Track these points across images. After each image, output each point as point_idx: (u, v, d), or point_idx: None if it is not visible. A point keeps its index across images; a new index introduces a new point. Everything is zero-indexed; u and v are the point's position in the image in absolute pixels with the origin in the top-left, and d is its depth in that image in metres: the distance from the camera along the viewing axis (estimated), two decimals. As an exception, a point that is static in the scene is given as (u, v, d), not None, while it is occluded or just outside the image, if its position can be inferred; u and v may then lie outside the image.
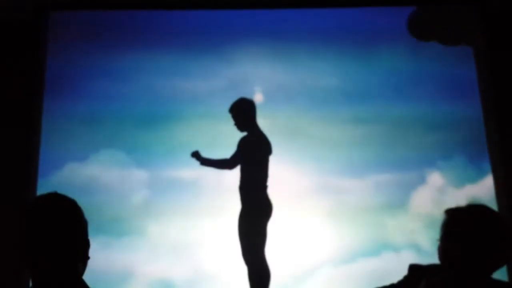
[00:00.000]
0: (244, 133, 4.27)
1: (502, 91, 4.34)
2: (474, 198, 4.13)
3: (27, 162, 4.13)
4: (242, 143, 4.23)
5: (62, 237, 1.43)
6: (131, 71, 4.42)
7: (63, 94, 4.35)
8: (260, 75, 4.47)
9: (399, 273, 1.86)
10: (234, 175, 4.22)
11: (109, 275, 3.83)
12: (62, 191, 1.57)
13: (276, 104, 4.40)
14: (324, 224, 4.14)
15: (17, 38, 4.42)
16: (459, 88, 4.49)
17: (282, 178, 4.21)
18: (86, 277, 1.51)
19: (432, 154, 4.32)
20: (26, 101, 4.26)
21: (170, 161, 4.23)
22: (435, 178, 4.30)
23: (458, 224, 1.72)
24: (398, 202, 4.21)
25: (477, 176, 4.29)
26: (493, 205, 4.04)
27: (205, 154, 4.24)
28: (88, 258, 1.51)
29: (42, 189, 4.00)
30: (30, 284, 1.45)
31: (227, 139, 4.29)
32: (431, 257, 1.81)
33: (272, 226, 4.10)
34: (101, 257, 3.86)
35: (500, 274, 1.78)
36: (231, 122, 4.30)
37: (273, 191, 4.18)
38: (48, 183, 4.07)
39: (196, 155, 4.18)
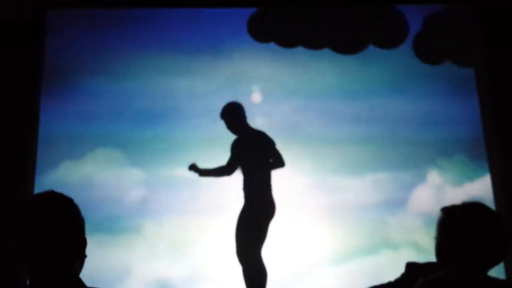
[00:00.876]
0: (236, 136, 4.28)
1: (500, 89, 4.35)
2: (473, 196, 4.13)
3: (24, 160, 4.12)
4: (232, 147, 4.23)
5: (59, 235, 1.42)
6: (128, 69, 4.41)
7: (60, 92, 4.34)
8: (258, 73, 4.46)
9: (398, 271, 1.86)
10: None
11: (105, 273, 3.82)
12: (58, 189, 1.56)
13: (274, 102, 4.39)
14: (323, 222, 4.13)
15: (14, 36, 4.41)
16: (458, 86, 4.50)
17: (280, 176, 4.21)
18: (83, 275, 1.50)
19: (431, 152, 4.32)
20: (24, 99, 4.25)
21: (166, 160, 4.22)
22: (434, 177, 4.30)
23: (454, 222, 1.72)
24: (397, 200, 4.21)
25: (477, 175, 4.30)
26: (491, 204, 4.05)
27: (203, 152, 4.23)
28: (85, 256, 1.51)
29: (39, 187, 4.00)
30: (28, 283, 1.45)
31: (225, 137, 4.28)
32: (430, 256, 1.81)
33: (271, 224, 4.10)
34: (98, 255, 3.85)
35: (498, 272, 1.78)
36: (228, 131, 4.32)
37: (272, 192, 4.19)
38: (44, 182, 4.06)
39: (193, 167, 4.16)
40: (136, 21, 4.50)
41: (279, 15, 4.57)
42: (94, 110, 4.32)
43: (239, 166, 4.20)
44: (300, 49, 4.52)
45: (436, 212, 1.80)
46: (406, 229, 4.14)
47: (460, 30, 4.57)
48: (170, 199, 4.16)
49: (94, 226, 3.96)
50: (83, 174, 4.18)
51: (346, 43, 4.51)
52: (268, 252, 4.05)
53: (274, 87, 4.43)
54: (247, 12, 4.59)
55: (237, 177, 4.20)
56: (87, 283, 1.47)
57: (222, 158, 4.25)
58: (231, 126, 4.27)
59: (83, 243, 1.49)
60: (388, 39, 4.53)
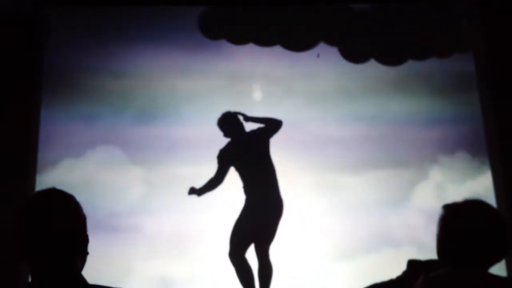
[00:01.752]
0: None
1: (501, 87, 4.35)
2: (474, 193, 4.13)
3: (25, 159, 4.12)
4: (218, 155, 4.20)
5: (61, 232, 1.42)
6: (129, 67, 4.41)
7: (60, 91, 4.34)
8: (258, 71, 4.46)
9: (399, 268, 1.86)
10: (231, 172, 4.22)
11: (107, 271, 3.82)
12: (59, 187, 1.56)
13: (275, 100, 4.39)
14: (324, 220, 4.13)
15: (14, 34, 4.40)
16: (460, 83, 4.50)
17: (281, 174, 4.21)
18: (84, 273, 1.50)
19: (433, 150, 4.32)
20: (24, 97, 4.25)
21: (167, 158, 4.22)
22: (436, 174, 4.30)
23: (455, 219, 1.72)
24: (398, 198, 4.21)
25: (478, 172, 4.30)
26: (492, 201, 4.05)
27: (202, 151, 4.23)
28: (87, 253, 1.51)
29: (40, 185, 4.00)
30: (29, 280, 1.45)
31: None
32: (431, 253, 1.81)
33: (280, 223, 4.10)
34: (99, 253, 3.84)
35: (498, 269, 1.78)
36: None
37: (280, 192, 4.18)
38: (45, 180, 4.06)
39: (192, 191, 4.14)
40: (136, 19, 4.49)
41: (230, 12, 4.56)
42: (94, 108, 4.32)
43: (238, 173, 4.18)
44: (300, 47, 4.53)
45: (437, 210, 1.80)
46: (407, 226, 4.14)
47: (458, 27, 4.58)
48: (171, 197, 4.16)
49: (95, 224, 3.96)
50: (84, 172, 4.18)
51: (296, 40, 4.51)
52: (271, 250, 4.05)
53: (274, 86, 4.43)
54: (246, 11, 4.60)
55: (237, 176, 4.20)
56: (88, 281, 1.47)
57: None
58: (225, 134, 4.28)
59: (85, 240, 1.49)
60: (339, 37, 4.53)
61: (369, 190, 4.22)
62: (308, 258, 4.07)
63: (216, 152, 4.22)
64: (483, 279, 1.67)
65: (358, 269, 4.00)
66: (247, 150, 4.24)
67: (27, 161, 4.11)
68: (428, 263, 1.88)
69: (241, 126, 4.28)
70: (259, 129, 4.26)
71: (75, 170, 4.17)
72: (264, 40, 4.50)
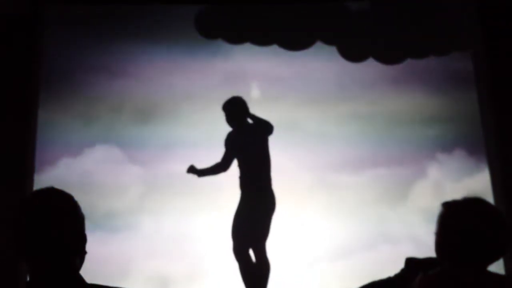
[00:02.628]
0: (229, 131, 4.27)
1: (500, 86, 4.35)
2: (472, 191, 4.14)
3: (23, 158, 4.11)
4: (226, 141, 4.22)
5: (59, 231, 1.42)
6: (127, 66, 4.41)
7: (58, 89, 4.33)
8: (256, 70, 4.46)
9: (397, 266, 1.86)
10: (230, 169, 4.21)
11: (105, 270, 3.82)
12: (57, 186, 1.56)
13: (272, 98, 4.39)
14: (322, 219, 4.14)
15: (12, 32, 4.39)
16: (458, 81, 4.50)
17: (279, 173, 4.21)
18: (83, 272, 1.50)
19: (431, 148, 4.33)
20: (22, 95, 4.24)
21: (165, 157, 4.22)
22: (434, 172, 4.31)
23: (454, 217, 1.72)
24: (396, 196, 4.22)
25: (476, 170, 4.30)
26: (490, 199, 4.05)
27: (201, 150, 4.22)
28: (85, 252, 1.51)
29: (38, 185, 3.99)
30: (28, 279, 1.45)
31: (223, 134, 4.28)
32: (429, 251, 1.81)
33: (273, 219, 4.10)
34: (97, 252, 3.84)
35: (497, 267, 1.78)
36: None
37: (272, 186, 4.18)
38: (43, 179, 4.05)
39: (192, 169, 4.15)
40: (134, 17, 4.49)
41: (226, 12, 4.55)
42: (92, 107, 4.32)
43: (237, 161, 4.19)
44: (297, 45, 4.53)
45: (435, 207, 1.80)
46: (405, 224, 4.15)
47: (457, 25, 4.58)
48: (169, 196, 4.16)
49: (93, 223, 3.96)
50: (82, 172, 4.17)
51: (293, 39, 4.51)
52: (268, 249, 4.06)
53: (272, 84, 4.43)
54: (245, 9, 4.59)
55: (236, 174, 4.20)
56: (87, 280, 1.47)
57: (220, 155, 4.25)
58: (229, 120, 4.26)
59: (83, 239, 1.49)
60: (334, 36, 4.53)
61: (367, 188, 4.22)
62: (305, 256, 4.07)
63: (215, 150, 4.21)
64: (482, 277, 1.67)
65: (356, 267, 4.00)
66: (251, 140, 4.23)
67: (25, 160, 4.10)
68: (426, 261, 1.88)
69: (247, 115, 4.27)
70: (260, 124, 4.25)
71: (73, 169, 4.17)
72: (261, 39, 4.50)
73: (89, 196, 4.05)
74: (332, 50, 4.50)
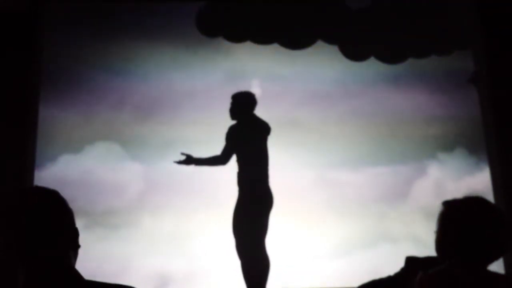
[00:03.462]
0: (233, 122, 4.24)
1: (500, 84, 4.35)
2: (473, 190, 4.14)
3: (23, 155, 4.12)
4: (228, 134, 4.19)
5: (49, 227, 1.43)
6: (128, 63, 4.41)
7: (59, 86, 4.33)
8: (257, 68, 4.46)
9: (397, 265, 1.86)
10: (229, 168, 4.20)
11: (104, 267, 3.82)
12: (57, 183, 1.56)
13: (273, 97, 4.39)
14: (323, 216, 4.13)
15: (12, 29, 4.40)
16: (459, 80, 4.50)
17: (279, 171, 4.20)
18: (82, 269, 1.50)
19: (432, 147, 4.33)
20: (23, 92, 4.24)
21: (165, 154, 4.22)
22: (435, 170, 4.31)
23: (454, 216, 1.72)
24: (397, 194, 4.22)
25: (477, 168, 4.30)
26: (490, 197, 4.05)
27: (201, 147, 4.22)
28: (78, 246, 1.51)
29: (38, 181, 4.00)
30: (24, 278, 1.45)
31: (224, 132, 4.28)
32: (429, 249, 1.81)
33: (271, 216, 4.09)
34: (97, 249, 3.85)
35: (497, 267, 1.78)
36: (228, 114, 4.29)
37: (269, 184, 4.17)
38: (43, 175, 4.05)
39: (188, 159, 4.12)
40: (135, 15, 4.48)
41: (228, 10, 4.55)
42: (93, 104, 4.32)
43: (236, 155, 4.17)
44: (299, 43, 4.53)
45: (436, 206, 1.80)
46: (406, 222, 4.15)
47: (458, 25, 4.57)
48: (169, 193, 4.16)
49: (93, 220, 3.96)
50: (82, 168, 4.17)
51: (294, 38, 4.50)
52: (268, 246, 4.05)
53: (273, 82, 4.43)
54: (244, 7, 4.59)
55: (235, 171, 4.19)
56: (86, 277, 1.46)
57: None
58: (233, 112, 4.23)
59: (75, 233, 1.50)
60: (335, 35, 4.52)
61: (367, 187, 4.22)
62: (306, 254, 4.07)
63: (212, 147, 4.21)
64: (482, 276, 1.67)
65: (356, 265, 4.00)
66: (252, 136, 4.21)
67: (25, 157, 4.11)
68: (426, 259, 1.88)
69: (251, 113, 4.26)
70: (261, 123, 4.24)
71: (73, 166, 4.17)
72: (262, 38, 4.49)
73: (89, 193, 4.06)
74: (334, 49, 4.50)
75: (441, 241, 1.73)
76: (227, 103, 4.29)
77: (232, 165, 4.19)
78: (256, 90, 4.40)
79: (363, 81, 4.45)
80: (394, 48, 4.51)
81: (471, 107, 4.43)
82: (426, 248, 1.86)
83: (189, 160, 4.13)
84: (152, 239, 4.06)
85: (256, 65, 4.45)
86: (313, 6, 4.55)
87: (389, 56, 4.50)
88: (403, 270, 1.90)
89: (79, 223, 1.53)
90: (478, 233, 1.67)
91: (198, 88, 4.39)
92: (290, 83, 4.43)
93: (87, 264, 1.65)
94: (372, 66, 4.48)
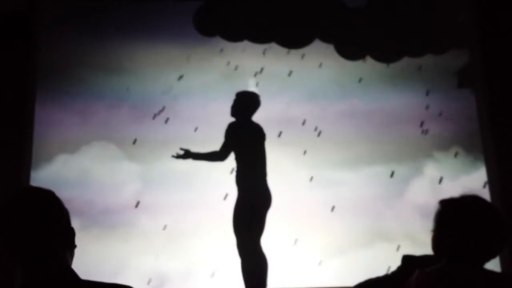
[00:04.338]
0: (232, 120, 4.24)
1: (496, 84, 4.36)
2: (469, 189, 4.15)
3: (19, 155, 4.11)
4: (228, 131, 4.19)
5: (45, 227, 1.42)
6: (124, 62, 4.40)
7: (55, 85, 4.32)
8: (253, 67, 4.46)
9: (394, 264, 1.86)
10: (225, 167, 4.20)
11: (102, 267, 3.82)
12: (53, 183, 1.56)
13: (270, 96, 4.39)
14: (319, 216, 4.14)
15: (9, 28, 4.38)
16: (455, 79, 4.51)
17: (275, 170, 4.20)
18: (79, 269, 1.50)
19: (428, 146, 4.33)
20: (19, 92, 4.23)
21: (162, 154, 4.22)
22: (431, 170, 4.31)
23: (452, 215, 1.72)
24: (393, 193, 4.22)
25: (473, 168, 4.31)
26: (487, 196, 4.06)
27: (197, 147, 4.22)
28: (74, 246, 1.51)
29: (35, 182, 3.99)
30: (21, 279, 1.44)
31: (221, 131, 4.28)
32: (426, 248, 1.81)
33: (268, 215, 4.09)
34: (94, 249, 3.85)
35: (493, 265, 1.78)
36: (224, 114, 4.29)
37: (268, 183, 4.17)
38: (39, 176, 4.04)
39: (186, 153, 4.12)
40: (131, 14, 4.48)
41: (225, 9, 4.54)
42: (89, 104, 4.31)
43: (234, 154, 4.17)
44: (295, 41, 4.53)
45: (432, 205, 1.80)
46: (402, 222, 4.15)
47: (454, 23, 4.58)
48: (166, 193, 4.15)
49: (90, 220, 3.95)
50: (79, 168, 4.16)
51: (291, 37, 4.49)
52: (264, 246, 4.05)
53: (269, 81, 4.43)
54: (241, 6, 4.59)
55: (233, 171, 4.19)
56: (83, 277, 1.46)
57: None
58: (235, 110, 4.22)
59: (70, 233, 1.50)
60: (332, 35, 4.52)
61: (364, 186, 4.22)
62: (302, 253, 4.07)
63: (209, 146, 4.20)
64: (479, 275, 1.68)
65: (352, 264, 4.01)
66: (252, 135, 4.20)
67: (21, 157, 4.10)
68: (423, 258, 1.88)
69: (253, 113, 4.25)
70: (258, 127, 4.24)
71: (69, 166, 4.16)
72: (259, 37, 4.49)
73: (86, 192, 4.05)
74: (330, 48, 4.51)
75: (438, 240, 1.74)
76: (224, 103, 4.29)
77: (228, 164, 4.19)
78: (251, 89, 4.40)
79: (359, 81, 4.45)
80: (390, 47, 4.52)
81: (467, 106, 4.44)
82: (423, 247, 1.87)
83: (187, 154, 4.13)
84: (149, 238, 4.06)
85: (252, 65, 4.45)
86: (310, 5, 4.55)
87: (385, 54, 4.50)
88: (399, 269, 1.90)
89: (75, 223, 1.53)
90: (475, 232, 1.67)
91: (195, 87, 4.39)
92: (286, 83, 4.43)
93: (83, 263, 1.65)
94: (369, 65, 4.49)
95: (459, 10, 4.61)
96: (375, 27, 4.55)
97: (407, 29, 4.54)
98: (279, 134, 4.24)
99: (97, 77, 4.34)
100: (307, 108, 4.38)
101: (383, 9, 4.61)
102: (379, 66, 4.50)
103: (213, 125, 4.28)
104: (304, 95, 4.41)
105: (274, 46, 4.50)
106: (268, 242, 4.06)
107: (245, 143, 4.18)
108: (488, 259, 1.72)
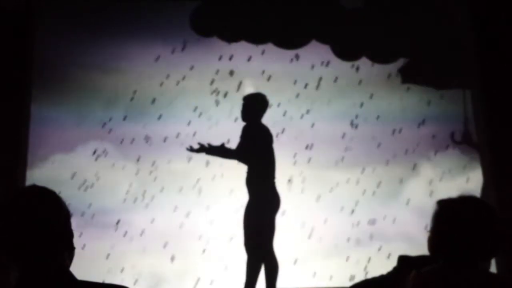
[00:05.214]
0: (244, 123, 4.17)
1: (492, 85, 4.37)
2: (465, 189, 4.16)
3: (15, 155, 4.10)
4: (245, 131, 4.09)
5: (45, 228, 1.41)
6: (121, 62, 4.40)
7: (51, 85, 4.31)
8: (250, 69, 4.45)
9: (390, 264, 1.86)
10: (223, 167, 4.19)
11: (97, 267, 3.81)
12: (49, 182, 1.54)
13: (266, 95, 4.38)
14: (315, 215, 4.14)
15: (5, 27, 4.36)
16: (452, 81, 4.52)
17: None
18: (75, 269, 1.49)
19: (424, 146, 4.34)
20: (14, 92, 4.22)
21: (158, 153, 4.21)
22: (427, 170, 4.32)
23: (449, 215, 1.72)
24: (389, 193, 4.22)
25: (469, 168, 4.32)
26: (482, 196, 4.07)
27: (195, 146, 4.21)
28: (73, 248, 1.50)
29: (30, 181, 3.98)
30: (17, 278, 1.44)
31: (218, 130, 4.28)
32: (421, 249, 1.81)
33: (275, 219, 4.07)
34: (90, 249, 3.83)
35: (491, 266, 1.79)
36: (221, 114, 4.29)
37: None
38: (35, 175, 4.03)
39: (202, 147, 4.04)
40: (128, 14, 4.47)
41: (222, 10, 4.53)
42: (86, 103, 4.30)
43: (248, 154, 4.07)
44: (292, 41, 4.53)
45: (428, 205, 1.80)
46: (398, 222, 4.16)
47: (450, 24, 4.58)
48: (162, 193, 4.15)
49: (86, 219, 3.95)
50: (75, 168, 4.15)
51: (288, 37, 4.49)
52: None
53: (265, 81, 4.43)
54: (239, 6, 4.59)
55: (230, 170, 4.17)
56: (79, 277, 1.46)
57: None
58: (248, 113, 4.15)
59: (70, 235, 1.48)
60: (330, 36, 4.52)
61: (360, 186, 4.23)
62: (298, 253, 4.07)
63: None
64: (475, 275, 1.68)
65: (348, 265, 4.01)
66: (265, 137, 4.14)
67: (17, 156, 4.09)
68: (419, 259, 1.88)
69: (264, 114, 4.22)
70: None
71: (65, 165, 4.15)
72: (256, 37, 4.49)
73: (81, 192, 4.04)
74: (326, 49, 4.50)
75: (435, 240, 1.73)
76: (221, 102, 4.29)
77: (228, 165, 4.16)
78: (248, 89, 4.40)
79: (355, 81, 4.46)
80: (386, 48, 4.52)
81: (463, 107, 4.45)
82: (419, 247, 1.87)
83: (202, 148, 4.04)
84: (145, 238, 4.06)
85: (249, 65, 4.45)
86: (308, 5, 4.55)
87: (381, 56, 4.50)
88: (395, 269, 1.90)
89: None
90: (471, 233, 1.67)
91: (191, 87, 4.38)
92: (282, 83, 4.43)
93: (79, 263, 1.65)
94: (365, 66, 4.49)
95: (456, 11, 4.61)
96: (372, 27, 4.54)
97: (403, 30, 4.53)
98: (276, 135, 4.23)
99: (94, 76, 4.34)
100: (303, 108, 4.38)
101: (380, 10, 4.60)
102: (375, 67, 4.50)
103: (209, 125, 4.29)
104: (301, 95, 4.41)
105: (270, 47, 4.50)
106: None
107: (258, 146, 4.12)
108: (485, 259, 1.72)
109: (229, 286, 3.99)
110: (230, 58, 4.44)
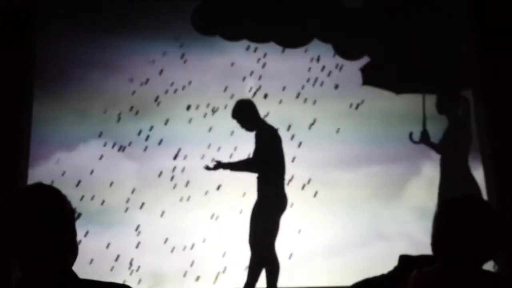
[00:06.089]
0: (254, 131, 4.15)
1: (493, 86, 4.37)
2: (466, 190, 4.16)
3: (17, 153, 4.10)
4: (259, 138, 4.08)
5: (50, 227, 1.41)
6: (122, 61, 4.40)
7: (53, 84, 4.32)
8: (251, 66, 4.45)
9: (391, 263, 1.86)
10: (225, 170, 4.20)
11: (98, 265, 3.82)
12: (51, 181, 1.55)
13: (268, 95, 4.39)
14: (317, 216, 4.14)
15: (6, 26, 4.37)
16: (452, 81, 4.52)
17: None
18: (76, 267, 1.49)
19: (426, 146, 4.34)
20: (16, 91, 4.22)
21: (160, 152, 4.22)
22: (428, 170, 4.32)
23: (452, 215, 1.72)
24: (391, 193, 4.22)
25: (471, 168, 4.31)
26: (484, 196, 4.07)
27: (196, 145, 4.21)
28: (77, 247, 1.50)
29: (32, 179, 3.99)
30: (20, 275, 1.44)
31: (218, 130, 4.28)
32: (423, 248, 1.82)
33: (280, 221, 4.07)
34: (91, 247, 3.84)
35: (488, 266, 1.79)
36: (221, 113, 4.29)
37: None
38: (37, 173, 4.04)
39: (217, 164, 4.06)
40: (129, 13, 4.47)
41: (224, 9, 4.54)
42: (87, 103, 4.31)
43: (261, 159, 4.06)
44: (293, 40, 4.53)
45: (429, 205, 1.81)
46: (399, 221, 4.16)
47: (450, 23, 4.58)
48: (163, 192, 4.15)
49: (87, 218, 3.95)
50: (76, 167, 4.16)
51: (290, 36, 4.49)
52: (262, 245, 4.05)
53: (267, 81, 4.43)
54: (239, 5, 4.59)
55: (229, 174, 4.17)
56: (80, 275, 1.46)
57: (215, 151, 4.23)
58: (248, 125, 4.15)
59: (74, 234, 1.48)
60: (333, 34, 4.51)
61: (361, 186, 4.23)
62: (300, 252, 4.07)
63: (211, 147, 4.20)
64: (476, 275, 1.68)
65: (350, 264, 4.01)
66: (271, 142, 4.15)
67: (19, 155, 4.09)
68: (420, 258, 1.88)
69: (259, 116, 4.21)
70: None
71: (67, 164, 4.16)
72: (258, 36, 4.49)
73: (83, 191, 4.05)
74: (328, 48, 4.50)
75: (438, 240, 1.73)
76: (221, 102, 4.29)
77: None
78: (250, 88, 4.40)
79: (357, 81, 4.45)
80: (386, 48, 4.52)
81: (465, 107, 4.45)
82: (420, 246, 1.87)
83: (218, 165, 4.06)
84: (146, 236, 4.06)
85: (251, 64, 4.45)
86: (310, 4, 4.55)
87: (382, 55, 4.50)
88: (396, 269, 1.90)
89: (72, 221, 1.52)
90: (473, 233, 1.67)
91: (193, 86, 4.39)
92: (284, 82, 4.43)
93: (81, 262, 1.65)
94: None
95: (456, 12, 4.61)
96: (373, 27, 4.54)
97: (404, 30, 4.53)
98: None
99: (95, 76, 4.34)
100: (305, 108, 4.38)
101: (381, 10, 4.60)
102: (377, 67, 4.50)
103: (211, 124, 4.29)
104: (302, 94, 4.41)
105: (272, 45, 4.50)
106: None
107: (272, 150, 4.12)
108: (485, 259, 1.72)
109: (229, 285, 3.99)
110: (234, 57, 4.44)
